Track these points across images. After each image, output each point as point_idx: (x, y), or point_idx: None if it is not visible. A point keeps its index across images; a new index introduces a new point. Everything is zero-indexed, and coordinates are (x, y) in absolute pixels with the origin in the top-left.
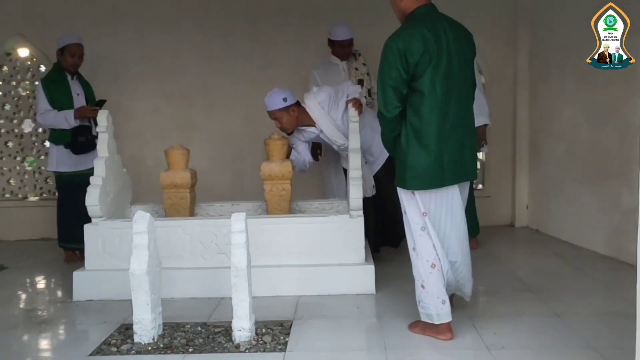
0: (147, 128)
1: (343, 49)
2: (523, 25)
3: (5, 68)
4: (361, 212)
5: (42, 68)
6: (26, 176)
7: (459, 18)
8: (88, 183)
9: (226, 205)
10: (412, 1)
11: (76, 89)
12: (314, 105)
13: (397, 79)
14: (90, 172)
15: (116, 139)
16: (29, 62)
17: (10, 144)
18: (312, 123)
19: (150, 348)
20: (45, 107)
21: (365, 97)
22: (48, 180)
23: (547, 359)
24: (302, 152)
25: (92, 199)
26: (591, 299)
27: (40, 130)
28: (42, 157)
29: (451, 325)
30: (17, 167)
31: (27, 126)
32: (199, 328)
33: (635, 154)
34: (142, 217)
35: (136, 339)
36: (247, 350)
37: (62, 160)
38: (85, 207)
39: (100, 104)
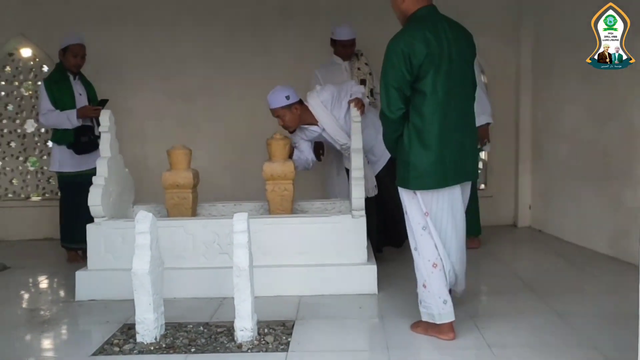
0: (149, 128)
1: (345, 49)
2: (526, 25)
3: (7, 68)
4: (363, 212)
5: (45, 68)
6: (29, 176)
7: (462, 17)
8: (90, 183)
9: (228, 205)
10: (413, 3)
11: (78, 89)
12: (316, 103)
13: (401, 80)
14: (92, 172)
15: (118, 139)
16: (31, 63)
17: (12, 144)
18: (314, 122)
19: (152, 348)
20: (48, 107)
21: (367, 97)
22: (50, 180)
23: (549, 359)
24: (305, 151)
25: (95, 199)
26: (593, 299)
27: (42, 130)
28: (45, 157)
29: (454, 325)
30: (20, 167)
31: (30, 126)
32: (201, 328)
33: (639, 154)
34: (144, 217)
35: (138, 338)
36: (249, 350)
37: (64, 160)
38: (87, 207)
39: (103, 103)
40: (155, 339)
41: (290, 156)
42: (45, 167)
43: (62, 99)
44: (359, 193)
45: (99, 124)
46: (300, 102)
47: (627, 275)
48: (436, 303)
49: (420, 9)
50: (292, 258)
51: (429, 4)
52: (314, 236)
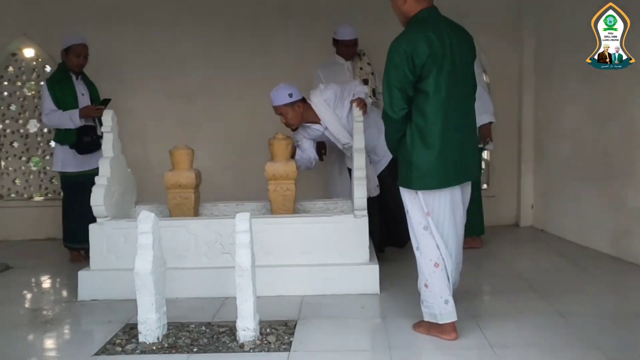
0: (150, 128)
1: (347, 49)
2: (527, 25)
3: (10, 68)
4: (365, 212)
5: (48, 68)
6: (31, 176)
7: (462, 17)
8: (93, 183)
9: (230, 205)
10: (414, 4)
11: (81, 89)
12: (319, 102)
13: (403, 81)
14: (95, 172)
15: (120, 139)
16: (34, 63)
17: (15, 144)
18: (317, 120)
19: (154, 348)
20: (50, 107)
21: (370, 97)
22: (53, 180)
23: (551, 359)
24: (307, 150)
25: (97, 199)
26: (596, 299)
27: (45, 130)
28: (48, 157)
29: (456, 325)
30: (23, 167)
31: (33, 126)
32: (204, 328)
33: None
34: (146, 217)
35: (141, 338)
36: (251, 350)
37: (67, 160)
38: (90, 207)
39: (105, 103)
40: (158, 338)
41: (293, 156)
42: (47, 167)
43: (64, 99)
44: (361, 193)
45: (101, 124)
46: (303, 100)
47: (628, 275)
48: (438, 303)
49: (421, 10)
50: (294, 258)
51: (430, 6)
52: (316, 236)
